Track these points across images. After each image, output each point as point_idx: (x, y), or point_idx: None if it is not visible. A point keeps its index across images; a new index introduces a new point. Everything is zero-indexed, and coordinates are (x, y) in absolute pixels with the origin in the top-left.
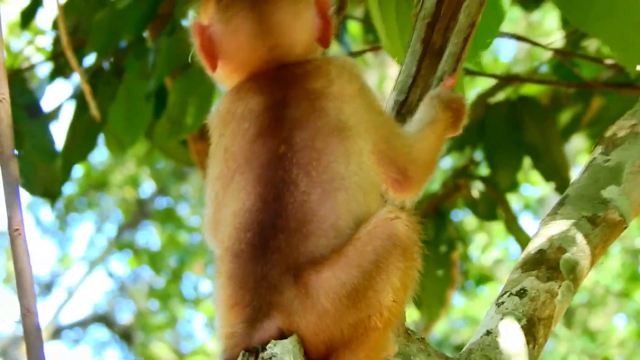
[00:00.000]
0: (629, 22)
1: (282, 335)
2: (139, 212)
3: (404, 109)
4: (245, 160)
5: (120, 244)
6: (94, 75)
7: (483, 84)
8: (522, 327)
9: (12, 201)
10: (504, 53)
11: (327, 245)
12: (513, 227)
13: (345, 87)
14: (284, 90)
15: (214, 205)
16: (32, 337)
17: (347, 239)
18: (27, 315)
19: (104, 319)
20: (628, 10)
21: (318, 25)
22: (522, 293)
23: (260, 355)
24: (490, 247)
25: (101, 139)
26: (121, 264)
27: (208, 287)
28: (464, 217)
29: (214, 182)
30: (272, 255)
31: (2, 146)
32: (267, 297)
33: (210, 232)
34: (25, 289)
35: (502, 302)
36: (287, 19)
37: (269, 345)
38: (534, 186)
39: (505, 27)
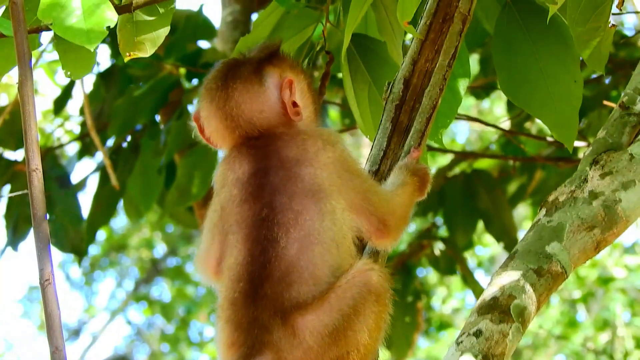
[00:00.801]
0: (565, 106)
1: None
2: (152, 270)
3: (376, 178)
4: (235, 222)
5: (137, 296)
6: (114, 153)
7: (442, 160)
8: None
9: (44, 256)
10: (459, 135)
11: (308, 292)
12: (469, 281)
13: (320, 154)
14: (265, 160)
15: (206, 246)
16: None
17: (325, 285)
18: (56, 352)
19: None
20: (564, 96)
21: (279, 103)
22: (478, 333)
23: None
24: (449, 298)
25: (120, 206)
26: (138, 313)
27: (211, 333)
28: (427, 273)
29: (210, 228)
30: (261, 301)
31: (36, 209)
32: (259, 337)
33: (200, 266)
34: (54, 330)
35: (462, 341)
36: (239, 105)
37: None
38: (485, 247)
39: (461, 112)
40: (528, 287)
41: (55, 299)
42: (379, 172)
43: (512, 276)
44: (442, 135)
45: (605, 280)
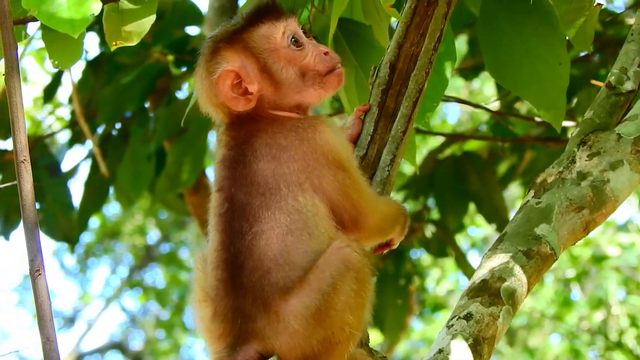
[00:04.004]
0: (552, 87)
1: (262, 357)
2: (146, 256)
3: (364, 162)
4: (213, 207)
5: (131, 283)
6: (104, 141)
7: (433, 142)
8: (469, 345)
9: (33, 247)
10: (450, 116)
11: (286, 277)
12: (462, 263)
13: (289, 149)
14: (234, 150)
15: None
16: None
17: (302, 271)
18: (47, 342)
19: (119, 347)
20: (551, 77)
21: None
22: (468, 317)
23: None
24: (443, 280)
25: (112, 193)
26: (132, 300)
27: None
28: (421, 255)
29: None
30: (240, 290)
31: (24, 199)
32: (243, 326)
33: None
34: (45, 320)
35: (452, 325)
36: (199, 94)
37: None
38: (478, 227)
39: (450, 93)
40: (518, 269)
41: (46, 290)
42: (367, 156)
43: (501, 259)
44: (429, 119)
45: (599, 259)
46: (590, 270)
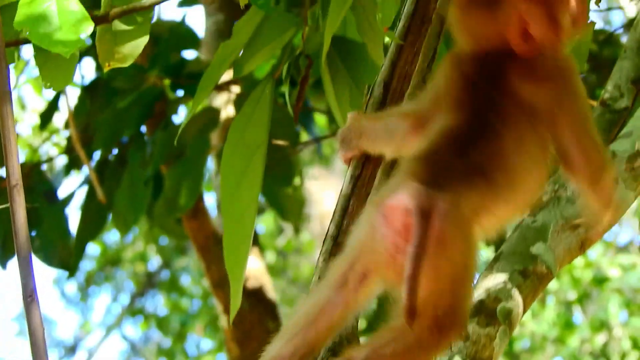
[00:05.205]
0: None
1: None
2: (147, 283)
3: (359, 182)
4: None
5: (132, 310)
6: (101, 166)
7: None
8: None
9: (26, 270)
10: None
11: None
12: None
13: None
14: None
15: None
16: None
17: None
18: None
19: None
20: None
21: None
22: (465, 337)
23: None
24: None
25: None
26: (134, 328)
27: (208, 346)
28: None
29: None
30: (460, 155)
31: (17, 222)
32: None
33: None
34: (38, 346)
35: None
36: None
37: None
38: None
39: None
40: (514, 289)
41: (39, 316)
42: (361, 176)
43: (497, 278)
44: None
45: (600, 281)
46: (592, 292)
